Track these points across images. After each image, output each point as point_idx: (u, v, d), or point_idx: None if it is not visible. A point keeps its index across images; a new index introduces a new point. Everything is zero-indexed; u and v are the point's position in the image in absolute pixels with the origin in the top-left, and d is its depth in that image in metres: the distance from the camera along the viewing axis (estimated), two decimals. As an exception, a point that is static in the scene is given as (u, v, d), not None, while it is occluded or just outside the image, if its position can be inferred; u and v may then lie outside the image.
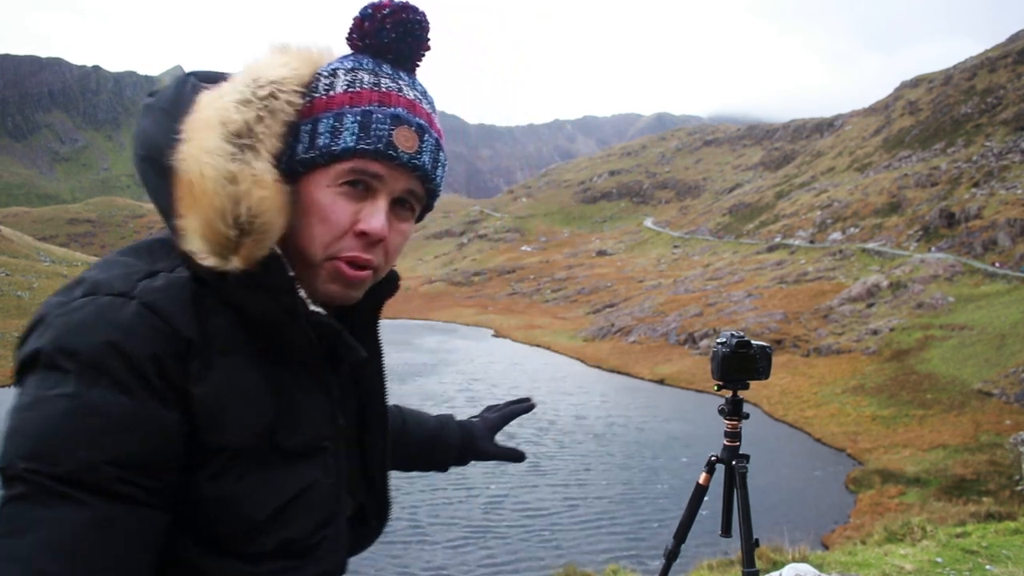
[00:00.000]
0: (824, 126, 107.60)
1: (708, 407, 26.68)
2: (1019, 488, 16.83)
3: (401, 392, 29.20)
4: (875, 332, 33.15)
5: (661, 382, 32.47)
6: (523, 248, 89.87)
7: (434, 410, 1.37)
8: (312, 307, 0.92)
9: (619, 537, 14.64)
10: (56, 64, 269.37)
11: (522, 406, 1.53)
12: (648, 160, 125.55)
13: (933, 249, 44.81)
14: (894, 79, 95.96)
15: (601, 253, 78.62)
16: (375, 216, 0.90)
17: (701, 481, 3.15)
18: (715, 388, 3.14)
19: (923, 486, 18.02)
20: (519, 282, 68.39)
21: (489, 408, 1.54)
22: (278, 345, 0.89)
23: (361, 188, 0.90)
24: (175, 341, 0.80)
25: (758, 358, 3.08)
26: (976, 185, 51.91)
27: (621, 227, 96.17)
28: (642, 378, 33.68)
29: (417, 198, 0.96)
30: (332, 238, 0.89)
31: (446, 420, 1.46)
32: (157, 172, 0.90)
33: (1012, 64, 69.76)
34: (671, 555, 3.25)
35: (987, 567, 5.24)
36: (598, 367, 36.75)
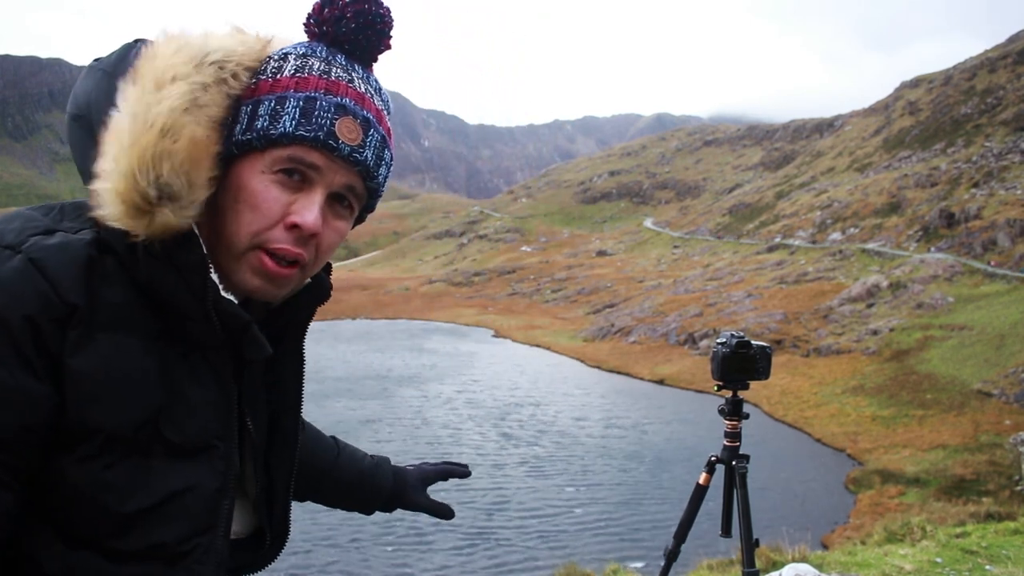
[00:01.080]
0: (824, 126, 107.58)
1: (708, 407, 26.68)
2: (1019, 488, 16.83)
3: (401, 394, 29.20)
4: (875, 332, 33.15)
5: (661, 382, 32.47)
6: (523, 248, 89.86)
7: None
8: (223, 294, 0.86)
9: (619, 537, 14.64)
10: (56, 64, 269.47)
11: (460, 470, 1.44)
12: (648, 160, 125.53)
13: (933, 249, 44.81)
14: (894, 79, 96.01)
15: (601, 253, 78.60)
16: (309, 209, 0.85)
17: (701, 481, 3.16)
18: (715, 388, 3.15)
19: (923, 486, 18.03)
20: (519, 282, 68.38)
21: (424, 463, 1.46)
22: (178, 329, 0.83)
23: (297, 178, 0.85)
24: (56, 305, 0.74)
25: (758, 358, 3.09)
26: (976, 185, 51.91)
27: (621, 227, 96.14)
28: (642, 378, 33.68)
29: (357, 196, 0.91)
30: (260, 227, 0.84)
31: (381, 462, 1.39)
32: (86, 131, 0.87)
33: (1012, 64, 69.76)
34: (671, 555, 3.26)
35: (987, 567, 5.25)
36: (598, 367, 36.75)
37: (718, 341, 3.08)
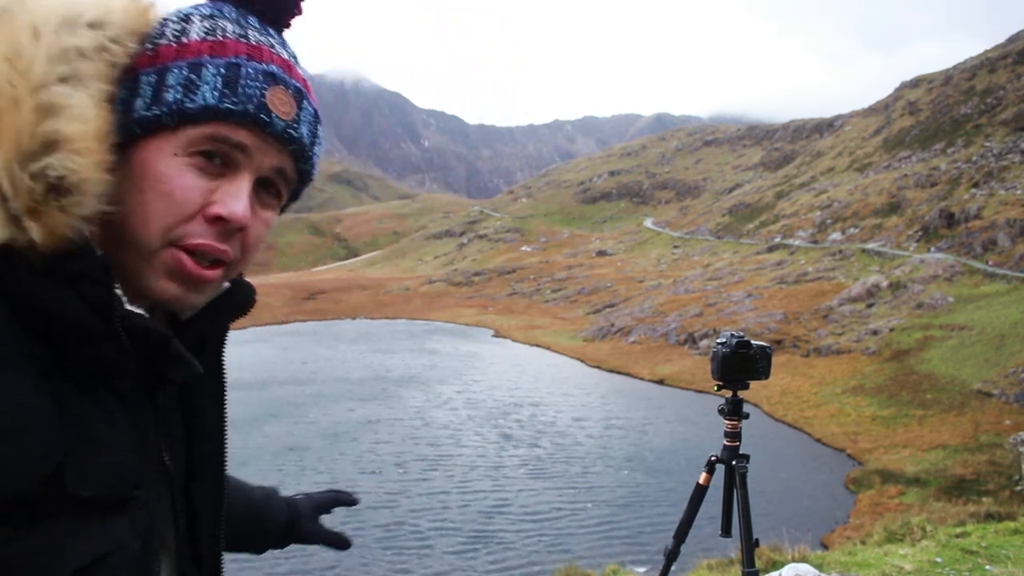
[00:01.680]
0: (824, 126, 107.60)
1: (708, 407, 26.67)
2: (1019, 488, 16.83)
3: (401, 395, 29.21)
4: (875, 332, 33.15)
5: (661, 382, 32.48)
6: (523, 248, 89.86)
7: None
8: (128, 307, 0.70)
9: (619, 537, 14.64)
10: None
11: (347, 498, 1.28)
12: (648, 160, 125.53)
13: (933, 249, 44.82)
14: (894, 79, 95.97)
15: (601, 253, 78.61)
16: (236, 197, 0.72)
17: (701, 481, 3.16)
18: (715, 388, 3.16)
19: (923, 486, 18.03)
20: (519, 282, 68.37)
21: (310, 493, 1.28)
22: (74, 356, 0.66)
23: (218, 162, 0.72)
24: None
25: (758, 358, 3.09)
26: (976, 185, 51.91)
27: (621, 227, 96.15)
28: (642, 378, 33.69)
29: (286, 181, 0.79)
30: (176, 220, 0.70)
31: (271, 493, 1.20)
32: None
33: (1012, 64, 69.75)
34: (671, 555, 3.27)
35: (987, 567, 5.25)
36: (598, 367, 36.76)
37: (718, 341, 3.09)
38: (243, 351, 37.39)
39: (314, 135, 0.79)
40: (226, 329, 0.89)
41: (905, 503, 16.60)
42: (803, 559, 5.90)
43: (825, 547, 11.98)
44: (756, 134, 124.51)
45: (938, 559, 5.44)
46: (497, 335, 47.95)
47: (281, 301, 61.02)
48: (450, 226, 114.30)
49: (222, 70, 0.71)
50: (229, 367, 0.91)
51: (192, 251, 0.71)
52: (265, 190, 0.77)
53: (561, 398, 28.94)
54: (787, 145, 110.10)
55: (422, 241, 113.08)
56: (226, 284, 0.82)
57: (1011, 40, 77.04)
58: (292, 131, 0.75)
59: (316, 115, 0.80)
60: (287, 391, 28.96)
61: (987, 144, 58.87)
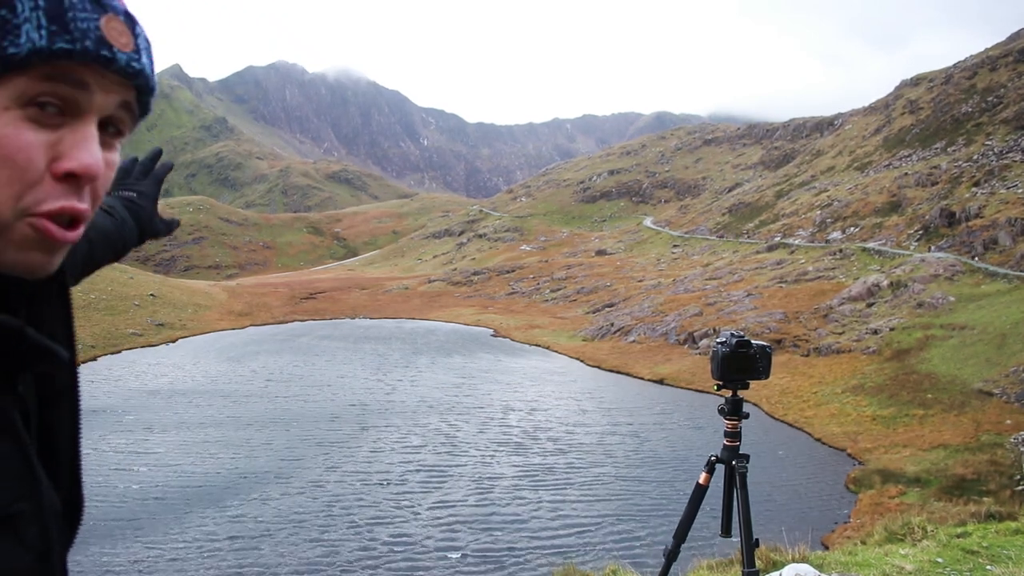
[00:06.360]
0: (824, 125, 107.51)
1: (708, 407, 26.69)
2: (1020, 488, 16.80)
3: (400, 395, 29.18)
4: (875, 332, 33.13)
5: (661, 382, 32.46)
6: (522, 247, 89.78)
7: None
8: None
9: (619, 537, 14.62)
10: None
11: (163, 165, 1.26)
12: (647, 159, 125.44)
13: (933, 248, 44.79)
14: (894, 78, 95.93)
15: (600, 253, 78.56)
16: (83, 147, 0.64)
17: (701, 481, 3.14)
18: (715, 388, 3.13)
19: (923, 486, 18.00)
20: (518, 281, 68.33)
21: (134, 178, 1.23)
22: None
23: (53, 110, 0.63)
24: None
25: (758, 358, 3.07)
26: (977, 184, 51.88)
27: (620, 227, 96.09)
28: (642, 378, 33.67)
29: (131, 115, 0.71)
30: (23, 187, 0.61)
31: (124, 218, 1.16)
32: None
33: (1013, 63, 69.68)
34: (671, 555, 3.24)
35: (988, 567, 5.22)
36: (598, 367, 36.73)
37: (718, 340, 3.06)
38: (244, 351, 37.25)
39: (152, 63, 0.71)
40: (59, 306, 0.77)
41: (906, 503, 16.57)
42: (803, 559, 5.87)
43: (825, 547, 11.95)
44: (756, 133, 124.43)
45: (939, 559, 5.41)
46: (496, 335, 47.91)
47: (280, 301, 60.98)
48: (449, 225, 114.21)
49: (41, 3, 0.61)
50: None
51: (53, 216, 0.64)
52: (107, 130, 0.69)
53: (561, 398, 28.92)
54: (787, 144, 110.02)
55: (421, 240, 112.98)
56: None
57: (1012, 38, 76.95)
58: (135, 63, 0.67)
59: (147, 39, 0.71)
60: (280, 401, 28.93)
61: (988, 143, 58.82)
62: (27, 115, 0.61)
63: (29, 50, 0.59)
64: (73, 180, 0.64)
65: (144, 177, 1.23)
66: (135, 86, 0.69)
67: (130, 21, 0.67)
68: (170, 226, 1.27)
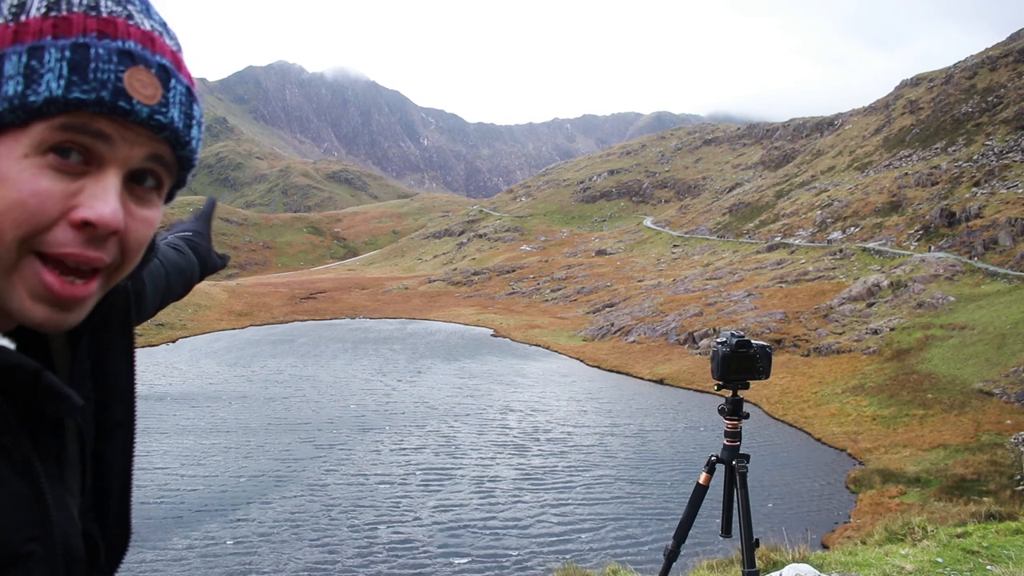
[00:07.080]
0: (824, 125, 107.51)
1: (708, 407, 26.68)
2: (1020, 488, 16.80)
3: (399, 395, 29.18)
4: (875, 332, 33.12)
5: (661, 382, 32.45)
6: (522, 247, 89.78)
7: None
8: None
9: (619, 537, 14.62)
10: None
11: (208, 202, 1.44)
12: (647, 159, 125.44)
13: (933, 248, 44.78)
14: (894, 78, 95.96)
15: (600, 252, 78.56)
16: (102, 197, 0.63)
17: (701, 481, 3.13)
18: (715, 388, 3.13)
19: (924, 486, 18.00)
20: (518, 281, 68.33)
21: (193, 219, 1.40)
22: None
23: (77, 159, 0.63)
24: None
25: (758, 358, 3.07)
26: (977, 184, 51.88)
27: (620, 226, 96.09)
28: (642, 378, 33.66)
29: (167, 168, 0.70)
30: (31, 230, 0.61)
31: (190, 256, 1.30)
32: None
33: (1013, 63, 69.68)
34: (671, 555, 3.24)
35: (988, 567, 5.22)
36: (598, 367, 36.73)
37: (718, 340, 3.06)
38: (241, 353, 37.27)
39: (189, 116, 0.69)
40: (122, 341, 0.78)
41: (906, 503, 16.57)
42: (803, 559, 5.87)
43: (825, 547, 11.96)
44: (756, 133, 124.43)
45: (939, 559, 5.41)
46: (496, 335, 47.91)
47: (280, 301, 60.99)
48: (449, 225, 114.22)
49: (67, 53, 0.61)
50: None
51: (61, 261, 0.63)
52: (141, 183, 0.68)
53: (560, 398, 28.92)
54: (787, 144, 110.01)
55: (421, 240, 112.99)
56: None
57: (1012, 38, 76.97)
58: (160, 116, 0.66)
59: (190, 92, 0.69)
60: (283, 400, 28.93)
61: (988, 143, 58.83)
62: (47, 163, 0.61)
63: (45, 98, 0.60)
64: (90, 229, 0.63)
65: (196, 218, 1.39)
66: (164, 139, 0.67)
67: (164, 74, 0.66)
68: (224, 260, 1.43)
